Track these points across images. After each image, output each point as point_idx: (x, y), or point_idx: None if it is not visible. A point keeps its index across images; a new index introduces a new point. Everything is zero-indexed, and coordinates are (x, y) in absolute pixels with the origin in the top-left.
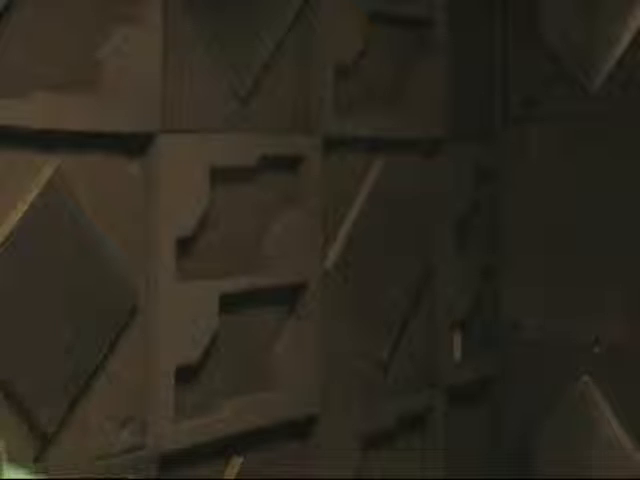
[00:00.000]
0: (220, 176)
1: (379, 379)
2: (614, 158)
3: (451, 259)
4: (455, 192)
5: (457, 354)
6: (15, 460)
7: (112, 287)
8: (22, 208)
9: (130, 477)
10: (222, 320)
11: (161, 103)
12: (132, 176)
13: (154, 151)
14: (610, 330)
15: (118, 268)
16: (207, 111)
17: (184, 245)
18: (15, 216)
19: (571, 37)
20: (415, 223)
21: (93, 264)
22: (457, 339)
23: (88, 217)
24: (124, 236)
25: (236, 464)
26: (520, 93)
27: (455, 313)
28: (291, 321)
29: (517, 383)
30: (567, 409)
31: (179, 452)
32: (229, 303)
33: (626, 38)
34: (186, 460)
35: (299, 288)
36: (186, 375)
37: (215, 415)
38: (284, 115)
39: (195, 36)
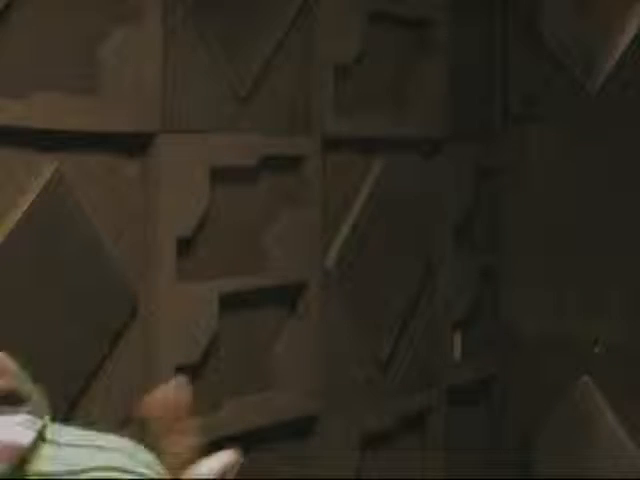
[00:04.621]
0: (220, 176)
1: (379, 379)
2: (614, 158)
3: (451, 259)
4: (455, 192)
5: (457, 354)
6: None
7: (112, 287)
8: (22, 208)
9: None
10: (222, 320)
11: (161, 103)
12: (132, 176)
13: (154, 151)
14: (610, 330)
15: (118, 268)
16: (207, 111)
17: (184, 245)
18: (15, 216)
19: (571, 37)
20: (415, 223)
21: (93, 264)
22: (457, 339)
23: (88, 217)
24: (124, 236)
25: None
26: (520, 93)
27: (455, 313)
28: (291, 321)
29: (517, 383)
30: (567, 409)
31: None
32: (229, 303)
33: (626, 38)
34: None
35: (299, 288)
36: (186, 375)
37: (215, 415)
38: (284, 115)
39: (195, 36)
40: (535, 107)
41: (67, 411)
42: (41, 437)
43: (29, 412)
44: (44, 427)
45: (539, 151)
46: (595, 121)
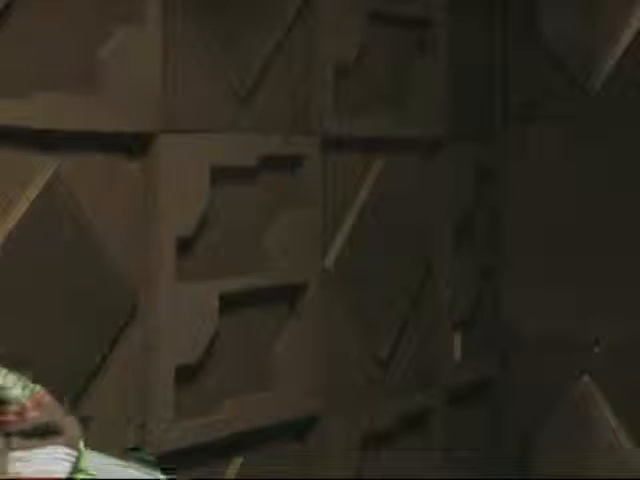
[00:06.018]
0: (220, 176)
1: (379, 379)
2: (614, 158)
3: (451, 259)
4: (455, 192)
5: (457, 354)
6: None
7: (112, 287)
8: (22, 208)
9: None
10: (222, 320)
11: (161, 103)
12: (132, 176)
13: (154, 151)
14: (610, 330)
15: (118, 268)
16: (207, 111)
17: (184, 245)
18: (15, 216)
19: (571, 37)
20: (415, 223)
21: (93, 264)
22: (457, 339)
23: (88, 217)
24: (124, 236)
25: (236, 464)
26: (520, 93)
27: (455, 313)
28: (291, 321)
29: (517, 383)
30: (567, 409)
31: (179, 452)
32: (229, 303)
33: (626, 38)
34: (186, 460)
35: (299, 288)
36: (186, 375)
37: (215, 415)
38: (284, 115)
39: (195, 36)
40: (535, 107)
41: (66, 411)
42: (76, 468)
43: (65, 444)
44: (79, 458)
45: (539, 151)
46: (595, 121)
